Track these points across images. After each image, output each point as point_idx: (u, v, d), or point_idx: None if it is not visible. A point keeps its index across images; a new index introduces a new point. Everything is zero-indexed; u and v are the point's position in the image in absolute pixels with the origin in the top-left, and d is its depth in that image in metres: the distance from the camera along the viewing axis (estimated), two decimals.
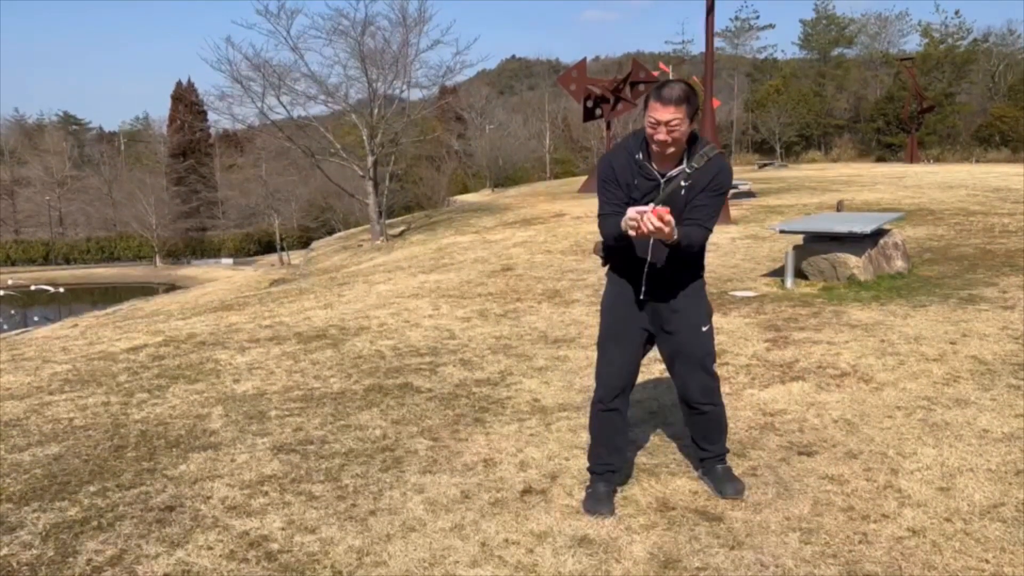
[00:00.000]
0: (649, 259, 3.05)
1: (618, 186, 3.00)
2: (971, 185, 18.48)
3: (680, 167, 2.94)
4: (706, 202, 2.95)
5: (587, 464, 3.33)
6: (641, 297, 3.12)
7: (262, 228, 56.56)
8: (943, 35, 60.17)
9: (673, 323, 3.14)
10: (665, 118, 2.81)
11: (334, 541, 2.97)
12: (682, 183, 2.92)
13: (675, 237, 2.82)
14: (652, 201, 2.91)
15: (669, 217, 2.77)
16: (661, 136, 2.85)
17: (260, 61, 23.01)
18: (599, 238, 3.22)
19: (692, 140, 2.96)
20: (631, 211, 2.80)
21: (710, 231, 3.00)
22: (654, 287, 3.10)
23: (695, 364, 3.18)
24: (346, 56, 23.98)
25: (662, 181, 2.95)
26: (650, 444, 3.84)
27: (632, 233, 2.82)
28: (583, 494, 3.28)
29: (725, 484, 3.28)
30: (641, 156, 2.97)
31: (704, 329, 3.18)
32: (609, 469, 3.25)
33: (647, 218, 2.74)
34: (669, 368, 3.32)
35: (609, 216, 3.01)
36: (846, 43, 67.64)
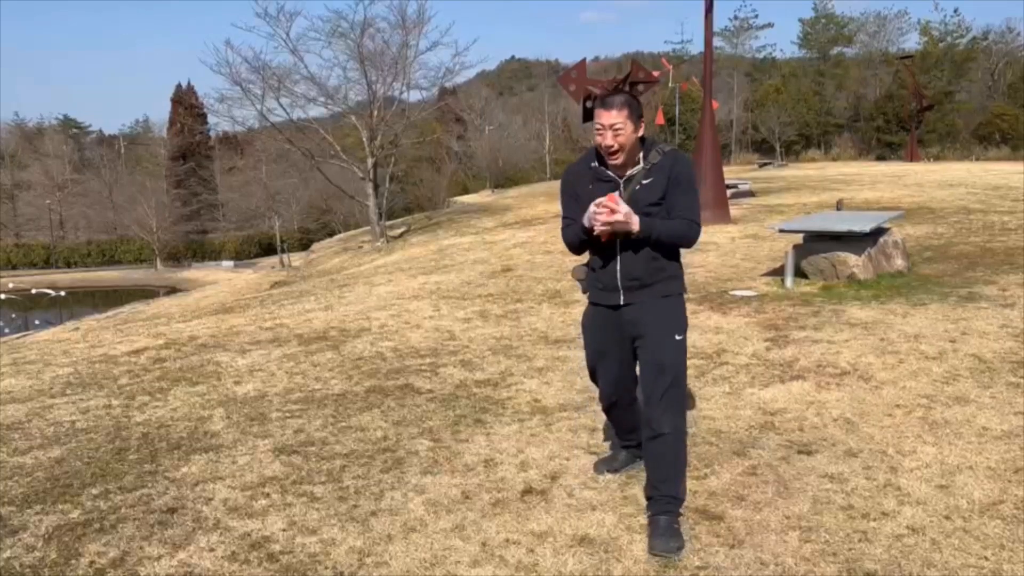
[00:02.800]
0: (619, 265, 3.04)
1: (575, 196, 3.08)
2: (971, 183, 18.48)
3: (637, 167, 3.01)
4: (678, 196, 2.97)
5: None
6: (621, 302, 3.07)
7: (262, 230, 56.59)
8: (942, 33, 60.16)
9: (646, 328, 3.05)
10: (609, 121, 2.92)
11: (335, 542, 2.98)
12: (642, 181, 2.99)
13: (636, 228, 2.88)
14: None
15: (616, 205, 2.85)
16: (608, 140, 2.94)
17: (260, 63, 23.07)
18: (577, 262, 3.29)
19: (645, 145, 3.04)
20: (591, 207, 2.90)
21: (697, 224, 2.99)
22: (631, 291, 3.05)
23: (663, 370, 2.99)
24: (345, 58, 24.06)
25: (621, 181, 3.01)
26: None
27: (598, 226, 2.88)
28: (584, 493, 3.29)
29: (657, 537, 2.86)
30: (596, 164, 3.07)
31: (677, 338, 3.05)
32: (630, 444, 3.50)
33: (601, 207, 2.86)
34: (640, 375, 3.14)
35: (568, 227, 3.13)
36: (845, 42, 67.61)
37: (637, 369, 3.19)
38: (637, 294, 3.06)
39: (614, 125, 2.92)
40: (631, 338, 3.13)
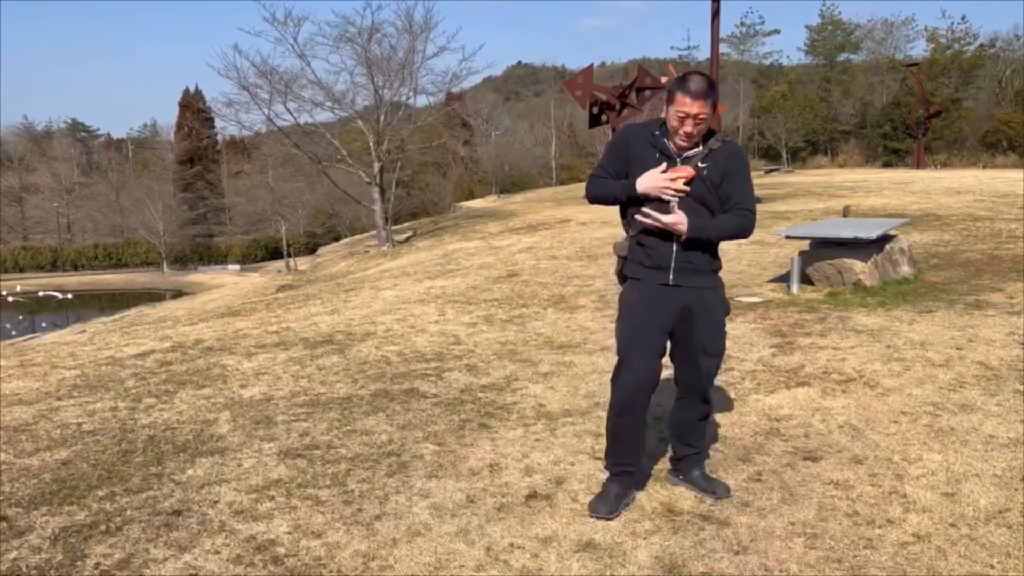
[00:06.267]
0: (675, 243, 3.02)
1: (624, 157, 3.07)
2: (978, 190, 18.43)
3: (697, 148, 2.99)
4: (736, 185, 3.00)
5: (603, 464, 3.35)
6: (670, 282, 3.05)
7: (269, 234, 56.81)
8: (949, 40, 60.11)
9: (700, 314, 3.10)
10: (695, 111, 2.87)
11: (340, 545, 2.98)
12: (700, 164, 2.96)
13: (685, 231, 2.94)
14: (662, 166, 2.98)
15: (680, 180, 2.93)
16: (688, 128, 2.90)
17: (267, 68, 23.03)
18: (619, 237, 3.23)
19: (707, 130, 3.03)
20: (656, 178, 2.93)
21: (753, 214, 3.05)
22: (682, 273, 3.05)
23: (712, 358, 3.20)
24: (352, 63, 24.06)
25: (679, 160, 2.99)
26: (656, 449, 3.84)
27: (667, 194, 2.94)
28: (589, 498, 3.29)
29: (716, 485, 3.32)
30: (659, 134, 3.03)
31: (725, 328, 3.24)
32: (625, 470, 3.23)
33: (672, 180, 2.92)
34: (680, 362, 3.24)
35: (600, 178, 3.13)
36: (852, 49, 67.54)
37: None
38: (687, 277, 3.06)
39: (699, 115, 2.89)
40: (673, 326, 3.12)
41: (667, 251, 3.04)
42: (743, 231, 3.04)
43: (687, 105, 2.87)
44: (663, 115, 3.04)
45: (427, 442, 4.04)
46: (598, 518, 3.11)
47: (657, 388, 3.19)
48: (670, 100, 2.93)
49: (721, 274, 3.19)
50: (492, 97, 68.19)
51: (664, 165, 2.95)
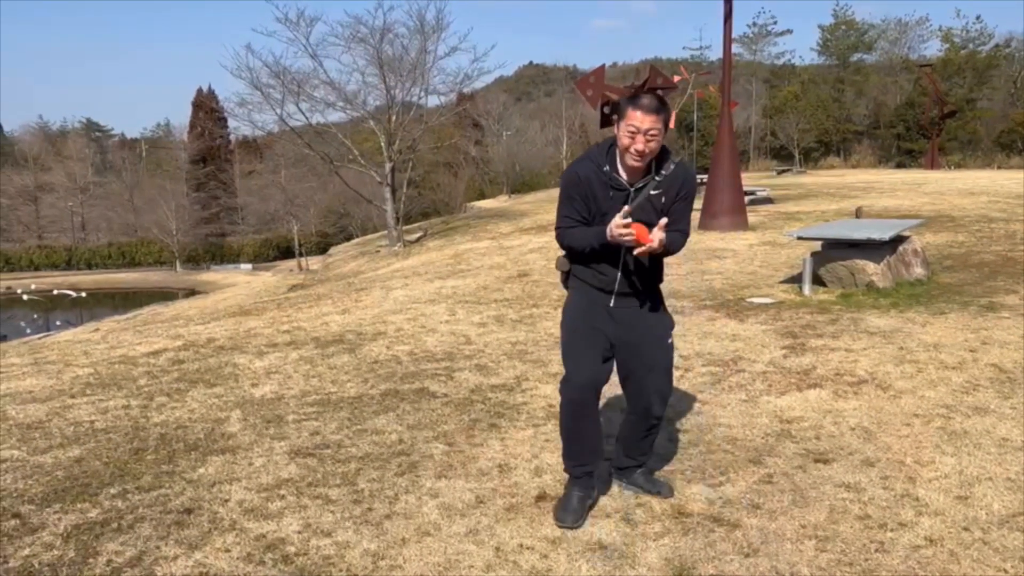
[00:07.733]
0: (620, 270, 3.03)
1: (583, 198, 2.97)
2: (992, 191, 18.30)
3: (648, 176, 2.94)
4: (682, 210, 2.99)
5: (563, 466, 3.27)
6: (611, 305, 3.08)
7: (281, 234, 57.04)
8: (964, 40, 59.71)
9: (639, 333, 3.11)
10: (645, 126, 2.80)
11: (350, 545, 2.99)
12: (652, 192, 2.93)
13: (659, 248, 2.85)
14: (622, 210, 2.89)
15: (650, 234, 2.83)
16: (639, 146, 2.83)
17: (279, 68, 23.16)
18: (561, 252, 3.20)
19: (660, 151, 2.95)
20: (615, 227, 2.81)
21: (688, 235, 3.07)
22: (623, 297, 3.08)
23: (661, 374, 3.16)
24: (364, 63, 24.14)
25: (632, 190, 2.94)
26: (665, 451, 3.84)
27: (637, 249, 2.84)
28: (598, 500, 3.28)
29: (659, 485, 3.37)
30: (608, 168, 2.95)
31: (669, 341, 3.19)
32: (587, 471, 3.18)
33: (655, 235, 2.81)
34: (625, 380, 3.22)
35: (572, 228, 3.02)
36: (865, 49, 67.19)
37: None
38: (627, 301, 3.09)
39: (650, 130, 2.81)
40: (613, 340, 3.10)
41: (612, 276, 3.04)
42: (679, 250, 3.05)
43: (638, 120, 2.80)
44: (616, 131, 2.94)
45: (436, 442, 4.04)
46: (564, 527, 3.06)
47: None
48: (621, 116, 2.87)
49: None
50: (503, 97, 68.23)
51: (620, 215, 2.83)
